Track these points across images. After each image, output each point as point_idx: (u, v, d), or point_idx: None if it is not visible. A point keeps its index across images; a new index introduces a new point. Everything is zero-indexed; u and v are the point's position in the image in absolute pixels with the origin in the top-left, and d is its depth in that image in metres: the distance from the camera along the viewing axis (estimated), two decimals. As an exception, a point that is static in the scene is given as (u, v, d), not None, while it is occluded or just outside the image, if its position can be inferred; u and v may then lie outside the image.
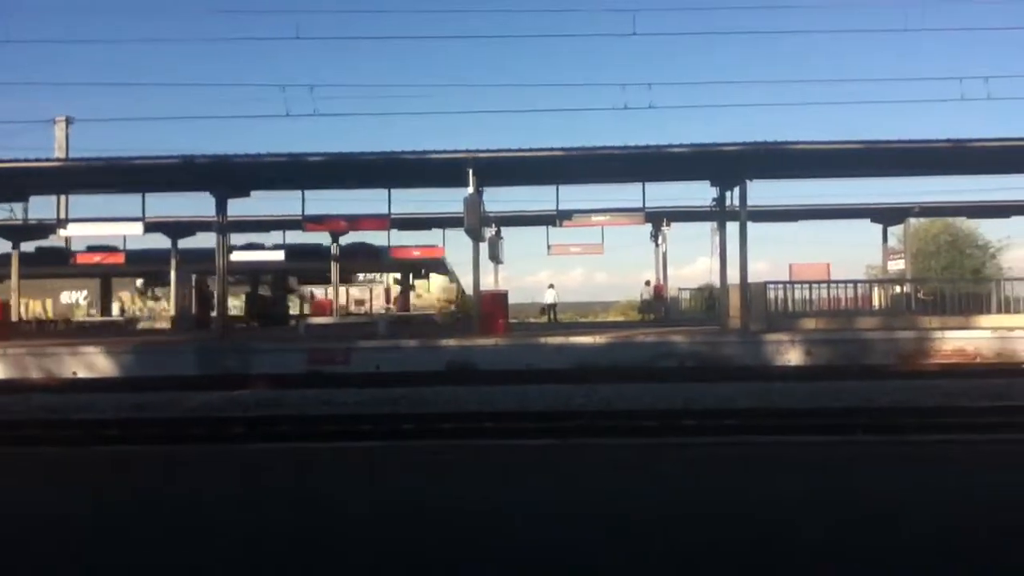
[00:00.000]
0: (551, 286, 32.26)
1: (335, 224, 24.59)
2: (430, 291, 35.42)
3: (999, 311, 19.78)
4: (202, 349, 18.69)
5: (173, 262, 29.04)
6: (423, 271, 34.95)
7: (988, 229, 43.14)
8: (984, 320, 19.39)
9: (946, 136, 18.84)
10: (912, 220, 28.09)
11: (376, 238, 29.61)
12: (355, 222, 24.13)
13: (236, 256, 25.14)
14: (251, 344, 19.37)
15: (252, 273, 32.02)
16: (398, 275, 34.82)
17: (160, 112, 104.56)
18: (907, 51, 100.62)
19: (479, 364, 17.58)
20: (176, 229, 28.53)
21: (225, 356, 18.34)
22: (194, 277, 29.70)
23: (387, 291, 34.98)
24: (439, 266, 34.12)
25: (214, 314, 24.29)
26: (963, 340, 18.28)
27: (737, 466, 6.61)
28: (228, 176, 20.80)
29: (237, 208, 22.89)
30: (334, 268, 28.81)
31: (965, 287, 22.11)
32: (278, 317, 32.83)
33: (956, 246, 44.68)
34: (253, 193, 22.50)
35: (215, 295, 23.41)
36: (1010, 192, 50.45)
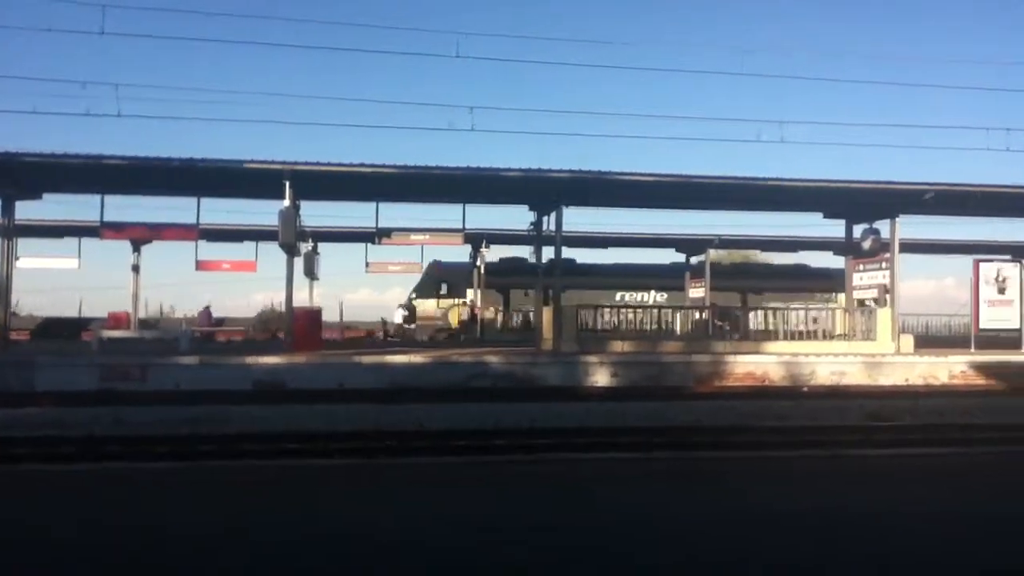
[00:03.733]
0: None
1: (135, 232, 23.10)
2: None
3: (785, 339, 21.35)
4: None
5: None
6: None
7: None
8: (772, 346, 20.88)
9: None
10: (712, 251, 29.88)
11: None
12: (157, 230, 22.70)
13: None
14: (36, 358, 17.79)
15: None
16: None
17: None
18: (726, 93, 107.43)
19: (290, 383, 17.03)
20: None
21: (3, 370, 16.76)
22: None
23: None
24: None
25: None
26: (753, 364, 19.61)
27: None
28: (16, 175, 19.09)
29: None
30: (133, 279, 26.97)
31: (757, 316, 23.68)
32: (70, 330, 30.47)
33: (751, 277, 48.01)
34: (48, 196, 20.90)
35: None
36: (800, 229, 54.79)
